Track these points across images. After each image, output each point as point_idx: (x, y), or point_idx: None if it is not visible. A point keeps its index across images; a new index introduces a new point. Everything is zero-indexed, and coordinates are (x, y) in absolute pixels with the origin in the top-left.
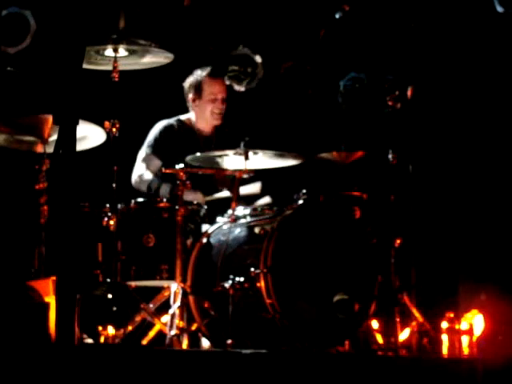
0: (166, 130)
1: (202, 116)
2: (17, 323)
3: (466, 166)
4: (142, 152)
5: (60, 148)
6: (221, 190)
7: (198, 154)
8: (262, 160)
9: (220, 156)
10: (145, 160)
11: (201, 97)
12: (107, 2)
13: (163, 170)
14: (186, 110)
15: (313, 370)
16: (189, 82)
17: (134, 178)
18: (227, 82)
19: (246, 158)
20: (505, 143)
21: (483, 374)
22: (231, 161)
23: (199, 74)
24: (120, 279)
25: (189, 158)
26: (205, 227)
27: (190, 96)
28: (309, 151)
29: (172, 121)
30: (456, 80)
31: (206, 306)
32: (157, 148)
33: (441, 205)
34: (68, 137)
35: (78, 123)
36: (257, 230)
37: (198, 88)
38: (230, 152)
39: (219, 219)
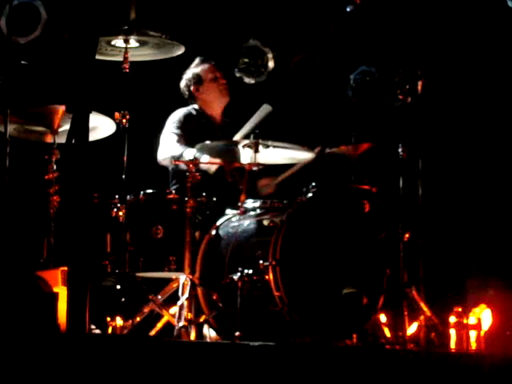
0: (188, 116)
1: (210, 100)
2: (25, 313)
3: (475, 161)
4: (169, 133)
5: (73, 137)
6: (231, 182)
7: (208, 142)
8: (272, 153)
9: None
10: (174, 138)
11: (202, 82)
12: None
13: (173, 161)
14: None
15: (320, 363)
16: (185, 79)
17: (164, 155)
18: (237, 75)
19: (256, 150)
20: None
21: (490, 369)
22: (241, 153)
23: (190, 68)
24: (128, 270)
25: (198, 146)
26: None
27: (192, 88)
28: (319, 145)
29: (190, 108)
30: (466, 74)
31: (214, 297)
32: (183, 130)
33: (450, 199)
34: (81, 126)
35: (90, 112)
36: (266, 222)
37: (196, 77)
38: (239, 144)
39: (228, 211)
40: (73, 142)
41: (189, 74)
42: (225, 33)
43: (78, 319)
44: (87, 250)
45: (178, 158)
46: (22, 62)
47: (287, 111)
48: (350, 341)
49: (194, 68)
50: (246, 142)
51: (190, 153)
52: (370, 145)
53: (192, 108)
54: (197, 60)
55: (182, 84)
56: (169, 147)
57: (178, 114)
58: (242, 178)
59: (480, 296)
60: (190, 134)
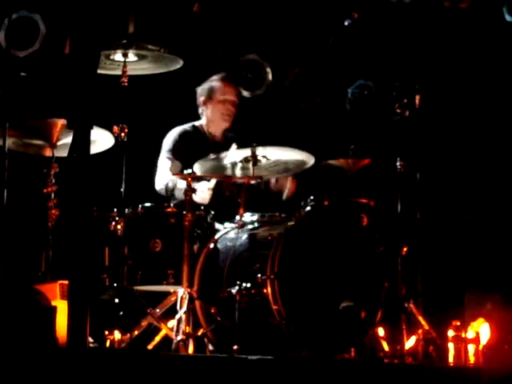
0: (182, 135)
1: (212, 119)
2: (23, 327)
3: (473, 175)
4: (163, 159)
5: (74, 152)
6: (229, 197)
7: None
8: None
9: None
10: (167, 166)
11: (212, 98)
12: (117, 7)
13: (172, 174)
14: (195, 115)
15: (319, 377)
16: (202, 85)
17: (160, 185)
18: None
19: (254, 163)
20: None
21: (489, 383)
22: (239, 167)
23: (213, 78)
24: (127, 284)
25: (197, 164)
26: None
27: (202, 99)
28: (316, 158)
29: (186, 126)
30: (464, 88)
31: (212, 311)
32: (176, 153)
33: (448, 213)
34: (82, 141)
35: (92, 128)
36: (264, 236)
37: (210, 90)
38: (238, 158)
39: (226, 225)
40: (74, 156)
41: (206, 84)
42: (224, 47)
43: (78, 333)
44: (88, 264)
45: (172, 190)
46: (22, 74)
47: (285, 125)
48: (349, 355)
49: (213, 81)
50: (244, 155)
51: (182, 184)
52: (369, 161)
53: (189, 125)
54: (220, 75)
55: (198, 90)
56: (163, 177)
57: (173, 135)
58: (240, 192)
59: (478, 310)
60: (184, 153)
